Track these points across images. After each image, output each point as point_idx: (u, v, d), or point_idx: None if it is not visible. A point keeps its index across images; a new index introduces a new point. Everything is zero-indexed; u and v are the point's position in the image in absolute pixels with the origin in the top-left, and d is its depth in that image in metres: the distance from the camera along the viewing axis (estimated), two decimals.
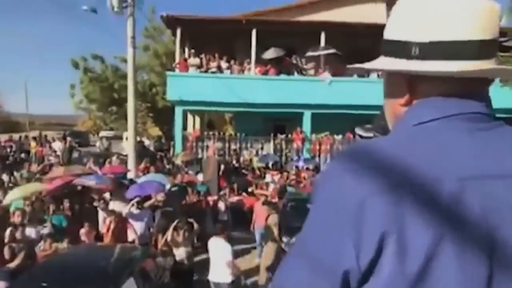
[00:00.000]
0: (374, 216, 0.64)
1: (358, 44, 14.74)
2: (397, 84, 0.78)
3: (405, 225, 0.63)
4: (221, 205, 9.68)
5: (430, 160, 0.67)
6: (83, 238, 6.55)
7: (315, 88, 15.31)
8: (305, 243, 0.72)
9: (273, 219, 7.25)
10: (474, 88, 0.74)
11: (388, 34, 0.79)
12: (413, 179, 0.65)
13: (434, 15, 0.71)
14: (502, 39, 14.09)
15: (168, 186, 9.16)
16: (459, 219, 0.64)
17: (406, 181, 0.65)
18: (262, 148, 15.92)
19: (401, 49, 0.75)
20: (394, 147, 0.70)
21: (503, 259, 0.64)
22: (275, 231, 7.14)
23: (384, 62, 0.79)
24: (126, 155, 15.41)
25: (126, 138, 19.67)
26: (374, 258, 0.64)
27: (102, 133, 37.11)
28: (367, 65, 0.84)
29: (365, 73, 14.78)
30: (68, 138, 25.75)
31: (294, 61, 16.27)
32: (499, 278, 0.64)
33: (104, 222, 7.09)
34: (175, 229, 6.45)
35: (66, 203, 7.89)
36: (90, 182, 8.48)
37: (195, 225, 7.12)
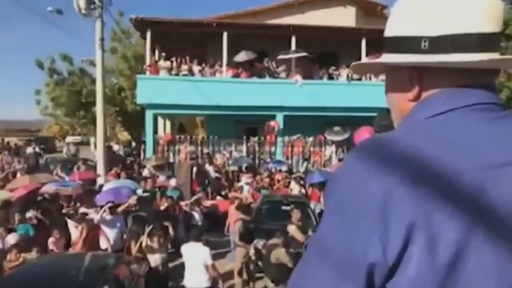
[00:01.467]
0: (400, 207, 0.62)
1: (328, 47, 15.00)
2: (405, 79, 0.79)
3: (432, 216, 0.62)
4: (195, 210, 9.57)
5: (449, 150, 0.66)
6: (51, 247, 6.33)
7: (286, 90, 15.42)
8: (325, 243, 0.70)
9: (238, 225, 7.29)
10: (483, 79, 0.75)
11: (392, 32, 0.80)
12: (434, 170, 0.64)
13: (442, 9, 0.73)
14: None
15: (139, 191, 8.99)
16: (485, 208, 0.63)
17: (428, 171, 0.64)
18: (235, 151, 15.87)
19: (409, 44, 0.76)
20: (411, 138, 0.70)
21: None
22: (237, 237, 7.15)
23: (394, 57, 0.79)
24: (94, 161, 15.05)
25: (95, 144, 19.23)
26: (401, 251, 0.62)
27: (69, 139, 36.13)
28: (373, 61, 0.84)
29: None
30: (33, 144, 24.95)
31: (266, 64, 16.35)
32: None
33: (75, 230, 6.86)
34: (149, 235, 6.32)
35: (33, 212, 7.61)
36: (57, 188, 8.24)
37: (171, 230, 7.01)
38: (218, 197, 11.47)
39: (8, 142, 24.98)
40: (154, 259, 6.21)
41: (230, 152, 15.73)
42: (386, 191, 0.64)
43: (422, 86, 0.77)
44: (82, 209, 7.62)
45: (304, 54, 15.21)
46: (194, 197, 10.26)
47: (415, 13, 0.76)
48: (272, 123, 15.62)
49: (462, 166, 0.65)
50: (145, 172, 12.94)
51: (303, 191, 11.28)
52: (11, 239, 6.14)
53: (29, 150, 22.03)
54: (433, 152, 0.66)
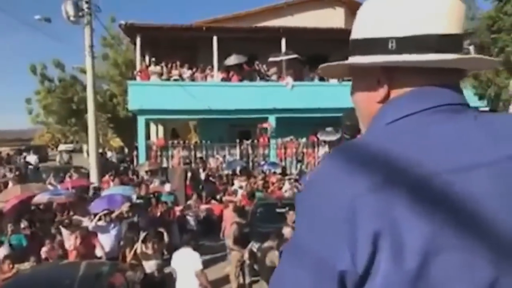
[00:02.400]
0: (365, 216, 0.62)
1: (318, 48, 15.04)
2: (373, 80, 0.79)
3: (398, 223, 0.62)
4: (189, 215, 9.56)
5: (416, 154, 0.67)
6: (45, 256, 6.28)
7: (278, 93, 15.47)
8: (299, 249, 0.70)
9: (232, 229, 7.28)
10: (449, 80, 0.76)
11: (359, 34, 0.80)
12: (401, 175, 0.64)
13: (408, 11, 0.74)
14: None
15: (134, 197, 8.96)
16: (454, 212, 0.63)
17: (395, 177, 0.64)
18: (229, 154, 15.85)
19: (377, 45, 0.76)
20: (378, 143, 0.70)
21: (508, 249, 0.64)
22: (231, 241, 7.15)
23: (357, 59, 0.80)
24: (87, 169, 14.98)
25: (87, 151, 19.13)
26: (370, 259, 0.62)
27: (62, 147, 35.92)
28: (340, 63, 0.85)
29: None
30: (24, 154, 24.77)
31: (257, 67, 16.38)
32: (504, 270, 0.63)
33: (69, 239, 6.82)
34: (143, 241, 6.29)
35: (25, 222, 7.55)
36: (49, 198, 8.19)
37: (165, 236, 6.98)
38: (213, 201, 11.45)
39: (0, 152, 24.77)
40: (149, 266, 6.18)
41: (224, 156, 15.73)
42: (353, 200, 0.63)
43: (390, 87, 0.77)
44: (75, 217, 7.56)
45: (294, 56, 15.27)
46: (188, 202, 10.25)
47: (382, 15, 0.77)
48: (265, 124, 15.64)
49: (430, 171, 0.65)
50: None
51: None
52: (3, 250, 6.09)
53: (33, 158, 22.28)
54: (400, 157, 0.66)
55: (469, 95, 13.12)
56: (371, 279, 0.63)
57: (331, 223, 0.65)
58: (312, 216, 0.69)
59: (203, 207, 10.71)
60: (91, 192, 10.61)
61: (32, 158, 22.67)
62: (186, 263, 5.74)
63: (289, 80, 15.64)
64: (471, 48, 13.86)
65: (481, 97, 12.56)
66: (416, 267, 0.61)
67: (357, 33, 0.81)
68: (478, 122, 0.72)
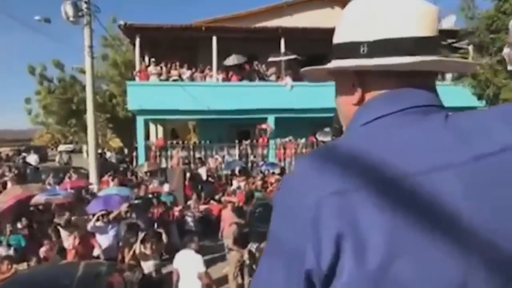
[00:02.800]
0: (328, 217, 0.64)
1: (317, 48, 15.04)
2: (348, 83, 0.81)
3: (361, 224, 0.63)
4: (188, 215, 9.56)
5: (386, 155, 0.68)
6: (43, 256, 6.29)
7: (277, 93, 15.48)
8: (271, 245, 0.73)
9: (231, 229, 7.29)
10: (422, 82, 0.77)
11: (337, 39, 0.83)
12: (369, 177, 0.66)
13: (378, 15, 0.76)
14: (451, 40, 14.80)
15: (132, 198, 8.96)
16: (420, 213, 0.64)
17: (362, 179, 0.65)
18: (228, 154, 15.86)
19: (350, 49, 0.79)
20: (349, 146, 0.72)
21: (475, 248, 0.64)
22: (231, 242, 7.15)
23: (334, 63, 0.83)
24: (86, 169, 14.98)
25: (87, 152, 19.14)
26: (334, 259, 0.64)
27: (61, 147, 35.93)
28: (318, 67, 0.87)
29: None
30: (24, 154, 24.79)
31: (256, 67, 16.39)
32: (472, 269, 0.64)
33: (67, 239, 6.83)
34: (142, 241, 6.30)
35: (24, 222, 7.56)
36: (47, 198, 8.19)
37: (164, 236, 6.99)
38: (212, 201, 11.46)
39: None
40: (147, 266, 6.19)
41: (223, 156, 15.74)
42: (318, 201, 0.65)
43: (364, 90, 0.80)
44: (75, 217, 7.57)
45: (293, 56, 15.28)
46: (188, 203, 10.25)
47: (355, 20, 0.79)
48: (263, 125, 15.65)
49: (398, 172, 0.66)
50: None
51: None
52: (1, 251, 6.10)
53: (34, 157, 22.48)
54: (369, 159, 0.67)
55: (468, 95, 13.12)
56: (337, 279, 0.65)
57: (298, 223, 0.67)
58: (283, 214, 0.71)
59: (202, 207, 10.72)
60: (87, 193, 10.61)
61: (32, 158, 22.73)
62: (189, 265, 5.77)
63: (288, 80, 15.64)
64: (470, 47, 13.89)
65: (479, 97, 12.56)
66: (379, 267, 0.62)
67: (334, 39, 0.84)
68: (449, 122, 0.73)
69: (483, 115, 0.75)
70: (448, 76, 14.99)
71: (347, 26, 0.81)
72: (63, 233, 7.10)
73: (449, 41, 14.51)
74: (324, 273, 0.65)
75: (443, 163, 0.67)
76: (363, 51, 0.77)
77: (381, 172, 0.66)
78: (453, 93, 13.92)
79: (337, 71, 0.84)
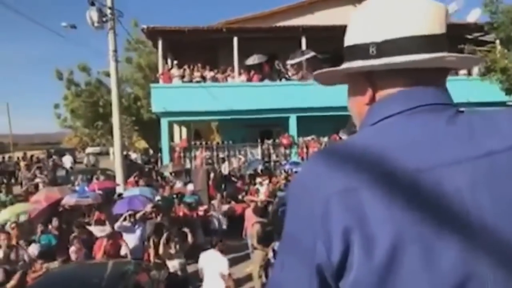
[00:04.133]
0: (338, 212, 0.66)
1: (339, 46, 14.89)
2: (360, 84, 0.84)
3: (369, 219, 0.65)
4: (213, 215, 9.66)
5: (395, 152, 0.70)
6: (73, 256, 6.48)
7: (299, 91, 15.42)
8: (284, 241, 0.76)
9: (255, 228, 7.31)
10: (430, 80, 0.79)
11: (347, 41, 0.85)
12: (377, 173, 0.68)
13: (385, 16, 0.78)
14: (477, 34, 14.41)
15: (157, 199, 9.13)
16: (426, 207, 0.66)
17: (370, 175, 0.68)
18: (254, 154, 15.91)
19: (360, 51, 0.81)
20: (359, 144, 0.74)
21: (480, 242, 0.66)
22: (255, 241, 7.18)
23: (345, 65, 0.85)
24: (113, 171, 15.31)
25: (113, 154, 19.56)
26: (344, 254, 0.66)
27: (89, 149, 36.76)
28: (329, 70, 0.89)
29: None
30: (54, 156, 25.54)
31: (277, 67, 16.37)
32: (476, 262, 0.65)
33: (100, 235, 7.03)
34: (166, 241, 6.42)
35: (55, 222, 7.81)
36: (77, 200, 8.43)
37: (189, 236, 7.09)
38: (233, 202, 11.54)
39: (31, 156, 25.57)
40: (173, 265, 6.30)
41: (246, 156, 15.80)
42: (328, 197, 0.68)
43: (374, 90, 0.82)
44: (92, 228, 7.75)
45: (312, 54, 15.17)
46: (212, 202, 10.35)
47: (363, 22, 0.81)
48: (284, 140, 15.63)
49: (406, 168, 0.68)
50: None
51: None
52: (34, 250, 6.33)
53: (69, 158, 23.43)
54: (378, 156, 0.70)
55: (496, 90, 12.75)
56: (347, 273, 0.67)
57: (309, 218, 0.70)
58: (295, 211, 0.74)
59: (225, 206, 10.81)
60: (116, 194, 10.85)
61: (68, 160, 23.65)
62: (213, 265, 5.83)
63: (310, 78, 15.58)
64: (498, 42, 13.50)
65: (507, 92, 12.19)
66: (386, 260, 0.64)
67: (345, 42, 0.86)
68: (458, 120, 0.75)
69: (492, 115, 0.76)
70: (475, 71, 14.61)
71: (356, 29, 0.83)
72: (95, 229, 7.29)
73: (475, 35, 14.14)
74: (335, 267, 0.68)
75: (450, 159, 0.69)
76: (372, 52, 0.79)
77: (389, 168, 0.68)
78: (480, 88, 13.58)
79: (348, 74, 0.87)
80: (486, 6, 11.71)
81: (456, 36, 14.26)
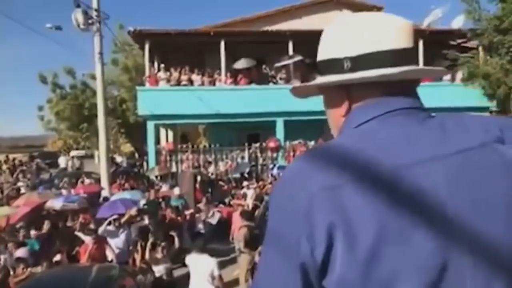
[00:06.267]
0: (321, 211, 0.69)
1: None
2: (336, 97, 0.88)
3: (351, 217, 0.67)
4: (198, 218, 9.62)
5: (372, 152, 0.73)
6: (58, 260, 6.38)
7: (286, 96, 15.40)
8: (268, 239, 0.77)
9: (242, 232, 7.31)
10: (402, 89, 0.83)
11: (321, 56, 0.89)
12: (357, 172, 0.71)
13: (358, 32, 0.83)
14: (461, 40, 14.70)
15: (142, 202, 9.05)
16: (405, 204, 0.69)
17: (351, 174, 0.71)
18: (242, 158, 15.90)
19: (335, 65, 0.85)
20: (340, 145, 0.78)
21: (458, 236, 0.69)
22: (242, 244, 7.18)
23: (321, 79, 0.89)
24: (98, 174, 15.14)
25: (98, 157, 19.34)
26: (327, 251, 0.68)
27: (73, 153, 36.28)
28: (306, 84, 0.95)
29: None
30: (37, 160, 25.15)
31: (264, 71, 16.43)
32: (454, 256, 0.68)
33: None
34: (152, 245, 6.37)
35: (47, 225, 7.68)
36: (63, 205, 8.32)
37: (176, 240, 7.04)
38: (220, 205, 11.51)
39: (14, 159, 25.12)
40: (158, 269, 6.25)
41: (233, 159, 15.79)
42: (311, 196, 0.70)
43: (351, 101, 0.86)
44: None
45: (299, 58, 15.27)
46: (198, 205, 10.31)
47: (336, 38, 0.86)
48: (272, 144, 15.67)
49: (383, 166, 0.71)
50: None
51: None
52: (20, 253, 6.22)
53: (63, 160, 23.24)
54: (357, 156, 0.73)
55: (479, 95, 13.00)
56: (330, 270, 0.69)
57: (293, 215, 0.72)
58: (279, 209, 0.76)
59: (212, 210, 10.77)
60: (101, 198, 10.74)
61: (63, 161, 23.47)
62: (201, 268, 5.79)
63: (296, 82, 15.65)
64: (480, 48, 13.79)
65: (490, 97, 12.46)
66: (368, 255, 0.66)
67: (318, 56, 0.90)
68: (431, 122, 0.80)
69: (461, 116, 0.82)
70: (459, 76, 14.89)
71: (330, 44, 0.87)
72: (82, 236, 7.19)
73: (459, 41, 14.43)
74: (319, 264, 0.69)
75: (426, 157, 0.73)
76: (347, 66, 0.83)
77: (370, 166, 0.72)
78: (464, 93, 13.84)
79: (324, 87, 0.91)
80: (469, 14, 11.98)
81: (440, 42, 14.54)
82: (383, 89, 0.82)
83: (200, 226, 9.52)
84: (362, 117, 0.82)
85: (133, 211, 7.80)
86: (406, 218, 0.68)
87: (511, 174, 0.74)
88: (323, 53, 0.89)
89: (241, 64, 15.76)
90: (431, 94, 11.34)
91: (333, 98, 0.89)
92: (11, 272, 5.94)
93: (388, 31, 0.81)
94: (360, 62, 0.81)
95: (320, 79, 0.89)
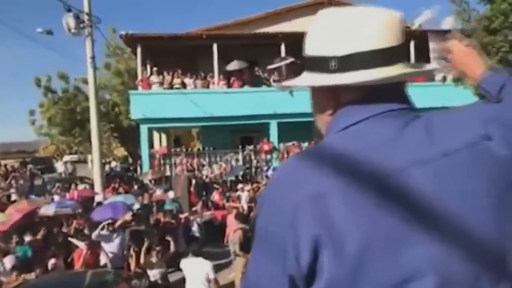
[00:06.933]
0: (305, 221, 0.67)
1: None
2: (323, 97, 0.85)
3: (337, 226, 0.66)
4: (193, 221, 9.58)
5: (358, 158, 0.71)
6: (52, 266, 6.32)
7: (279, 97, 15.53)
8: (256, 242, 0.76)
9: (237, 234, 7.30)
10: (391, 88, 0.80)
11: (308, 50, 0.86)
12: (340, 180, 0.69)
13: (344, 31, 0.79)
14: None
15: (136, 206, 9.00)
16: (390, 211, 0.67)
17: (334, 183, 0.69)
18: (236, 161, 15.89)
19: (321, 64, 0.82)
20: (326, 151, 0.76)
21: (447, 236, 0.68)
22: (237, 247, 7.16)
23: (308, 78, 0.85)
24: (91, 179, 15.05)
25: (91, 161, 19.22)
26: (313, 261, 0.67)
27: (66, 158, 36.03)
28: (293, 82, 0.91)
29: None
30: (29, 166, 24.92)
31: (257, 73, 16.45)
32: (445, 262, 0.67)
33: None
34: (147, 250, 6.33)
35: (30, 234, 7.59)
36: (56, 210, 8.25)
37: (172, 244, 7.01)
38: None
39: (5, 165, 24.86)
40: (153, 274, 6.21)
41: (226, 162, 15.77)
42: (295, 206, 0.69)
43: (338, 101, 0.82)
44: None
45: (291, 60, 15.32)
46: (194, 209, 10.27)
47: (324, 35, 0.82)
48: (265, 147, 15.68)
49: (369, 172, 0.70)
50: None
51: None
52: (9, 261, 6.14)
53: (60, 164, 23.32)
54: (343, 162, 0.71)
55: (470, 95, 13.10)
56: (317, 280, 0.68)
57: (279, 222, 0.71)
58: (267, 213, 0.75)
59: (206, 213, 10.75)
60: (95, 203, 10.66)
61: (61, 167, 23.35)
62: (197, 272, 5.77)
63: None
64: None
65: (481, 97, 12.55)
66: (356, 267, 0.65)
67: (305, 50, 0.86)
68: (418, 123, 0.77)
69: (448, 114, 0.80)
70: (450, 77, 15.01)
71: (317, 40, 0.84)
72: (76, 242, 7.13)
73: None
74: (304, 272, 0.69)
75: (413, 160, 0.71)
76: (334, 65, 0.79)
77: (356, 172, 0.70)
78: (455, 93, 13.95)
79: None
80: (459, 14, 12.08)
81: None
82: (370, 89, 0.79)
83: (195, 229, 9.48)
84: (350, 119, 0.79)
85: (127, 216, 7.75)
86: (393, 225, 0.67)
87: (499, 174, 0.71)
88: (310, 48, 0.85)
89: (233, 65, 15.78)
90: (423, 94, 11.47)
91: (320, 97, 0.86)
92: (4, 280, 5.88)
93: (375, 29, 0.78)
94: (347, 62, 0.78)
95: (304, 76, 0.87)
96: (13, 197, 12.07)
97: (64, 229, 8.32)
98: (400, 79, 0.81)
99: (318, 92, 0.87)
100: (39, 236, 7.60)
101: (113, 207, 8.09)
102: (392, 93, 0.81)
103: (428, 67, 0.92)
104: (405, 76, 0.81)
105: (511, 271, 0.69)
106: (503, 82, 0.86)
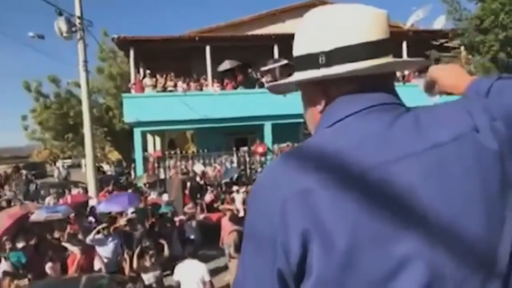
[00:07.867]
0: (293, 217, 0.67)
1: None
2: (313, 93, 0.86)
3: (325, 221, 0.66)
4: (187, 224, 9.55)
5: (346, 153, 0.72)
6: (49, 272, 6.27)
7: (273, 99, 15.52)
8: (245, 240, 0.77)
9: (232, 237, 7.28)
10: (379, 83, 0.81)
11: (296, 51, 0.87)
12: (329, 174, 0.69)
13: (332, 26, 0.81)
14: (443, 40, 14.95)
15: (131, 211, 8.94)
16: (378, 204, 0.67)
17: (322, 178, 0.69)
18: (230, 163, 15.86)
19: (310, 61, 0.83)
20: (315, 146, 0.76)
21: (435, 230, 0.67)
22: (232, 249, 7.14)
23: (297, 76, 0.87)
24: (85, 183, 14.95)
25: (85, 166, 19.13)
26: (302, 256, 0.67)
27: (60, 162, 35.83)
28: (282, 81, 0.92)
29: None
30: (24, 171, 24.74)
31: (251, 75, 16.47)
32: (436, 256, 0.67)
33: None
34: (141, 254, 6.30)
35: (23, 239, 7.52)
36: (47, 216, 8.18)
37: (166, 247, 6.97)
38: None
39: None
40: (147, 278, 6.18)
41: (221, 164, 15.74)
42: (283, 203, 0.68)
43: (328, 97, 0.83)
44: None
45: (285, 62, 15.35)
46: (187, 210, 10.23)
47: (311, 33, 0.83)
48: (260, 149, 15.67)
49: (358, 166, 0.70)
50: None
51: None
52: (3, 266, 6.08)
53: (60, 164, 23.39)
54: (331, 157, 0.71)
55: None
56: (307, 276, 0.68)
57: (267, 220, 0.71)
58: (255, 211, 0.75)
59: (201, 216, 10.71)
60: (89, 207, 10.59)
61: (62, 171, 23.27)
62: (192, 275, 5.75)
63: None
64: (462, 47, 14.03)
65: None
66: (345, 261, 0.65)
67: (294, 52, 0.88)
68: (406, 117, 0.77)
69: (435, 109, 0.80)
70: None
71: (304, 39, 0.85)
72: (70, 246, 7.08)
73: (441, 41, 14.68)
74: (294, 269, 0.68)
75: (401, 154, 0.71)
76: (322, 60, 0.81)
77: (343, 167, 0.70)
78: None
79: (301, 83, 0.88)
80: (451, 14, 12.17)
81: (422, 42, 14.74)
82: (358, 84, 0.80)
83: (189, 232, 9.44)
84: (337, 115, 0.80)
85: (123, 221, 7.72)
86: (382, 220, 0.67)
87: (488, 167, 0.71)
88: (298, 48, 0.87)
89: (224, 66, 15.78)
90: (414, 93, 11.49)
91: (310, 94, 0.87)
92: None
93: (361, 23, 0.79)
94: (334, 56, 0.79)
95: (295, 75, 0.87)
96: (3, 203, 11.94)
97: (56, 235, 8.25)
98: (388, 69, 0.82)
99: (308, 89, 0.87)
100: (32, 242, 7.54)
101: (119, 199, 8.12)
102: (381, 88, 0.81)
103: (416, 60, 0.92)
104: (392, 65, 0.82)
105: (500, 264, 0.69)
106: (490, 84, 0.86)
